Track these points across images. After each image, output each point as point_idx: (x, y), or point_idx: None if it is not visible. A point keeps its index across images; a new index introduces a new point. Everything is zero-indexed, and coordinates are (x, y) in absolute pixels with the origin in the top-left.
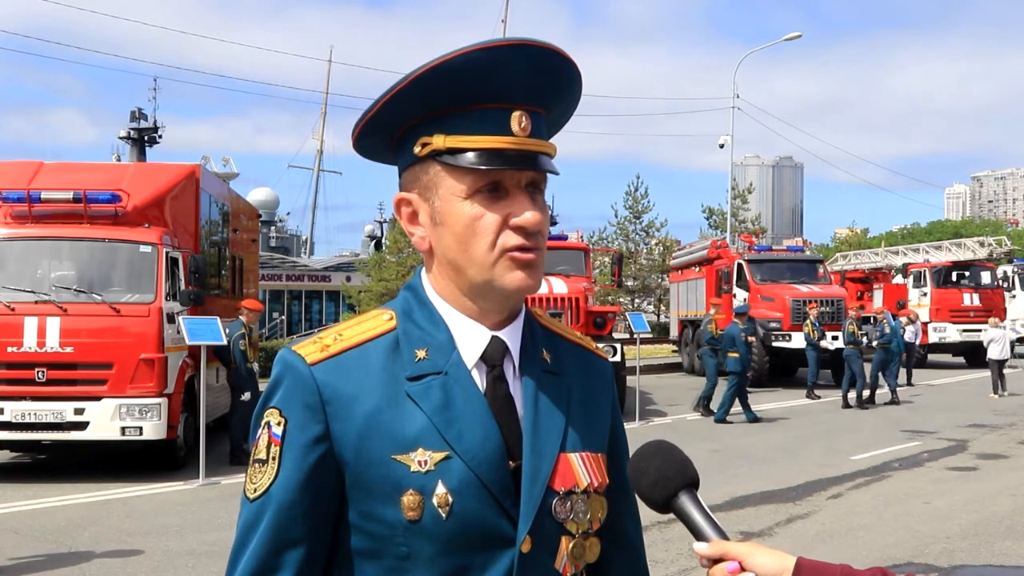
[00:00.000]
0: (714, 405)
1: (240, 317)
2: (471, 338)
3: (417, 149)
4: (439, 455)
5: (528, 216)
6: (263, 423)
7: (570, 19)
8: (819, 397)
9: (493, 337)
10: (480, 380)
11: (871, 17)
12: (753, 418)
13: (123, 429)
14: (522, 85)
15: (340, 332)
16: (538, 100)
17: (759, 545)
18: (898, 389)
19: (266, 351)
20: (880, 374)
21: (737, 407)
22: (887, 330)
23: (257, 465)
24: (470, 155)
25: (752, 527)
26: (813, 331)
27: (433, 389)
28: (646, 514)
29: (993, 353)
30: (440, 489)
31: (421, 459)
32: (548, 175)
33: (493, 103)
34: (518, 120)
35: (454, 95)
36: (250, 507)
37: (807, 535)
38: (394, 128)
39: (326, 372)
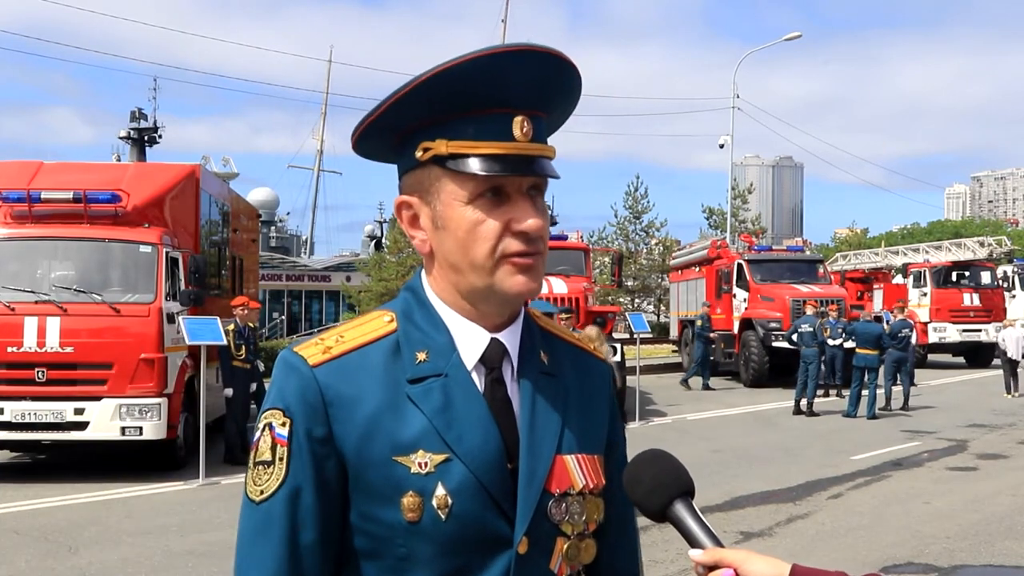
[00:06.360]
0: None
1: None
2: (471, 340)
3: (419, 154)
4: (439, 457)
5: (530, 222)
6: (264, 424)
7: (567, 18)
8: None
9: (492, 339)
10: (479, 382)
11: (871, 16)
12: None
13: (123, 429)
14: (525, 90)
15: (341, 334)
16: (540, 105)
17: (754, 552)
18: (895, 389)
19: (266, 351)
20: (896, 376)
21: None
22: (904, 331)
23: (262, 467)
24: (472, 161)
25: (752, 527)
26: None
27: (433, 391)
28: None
29: (1008, 353)
30: (440, 491)
31: (421, 461)
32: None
33: (496, 108)
34: (520, 125)
35: (457, 100)
36: (257, 510)
37: (807, 535)
38: (396, 131)
39: (328, 374)
